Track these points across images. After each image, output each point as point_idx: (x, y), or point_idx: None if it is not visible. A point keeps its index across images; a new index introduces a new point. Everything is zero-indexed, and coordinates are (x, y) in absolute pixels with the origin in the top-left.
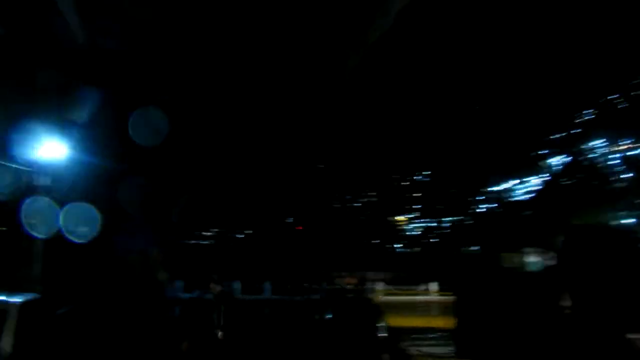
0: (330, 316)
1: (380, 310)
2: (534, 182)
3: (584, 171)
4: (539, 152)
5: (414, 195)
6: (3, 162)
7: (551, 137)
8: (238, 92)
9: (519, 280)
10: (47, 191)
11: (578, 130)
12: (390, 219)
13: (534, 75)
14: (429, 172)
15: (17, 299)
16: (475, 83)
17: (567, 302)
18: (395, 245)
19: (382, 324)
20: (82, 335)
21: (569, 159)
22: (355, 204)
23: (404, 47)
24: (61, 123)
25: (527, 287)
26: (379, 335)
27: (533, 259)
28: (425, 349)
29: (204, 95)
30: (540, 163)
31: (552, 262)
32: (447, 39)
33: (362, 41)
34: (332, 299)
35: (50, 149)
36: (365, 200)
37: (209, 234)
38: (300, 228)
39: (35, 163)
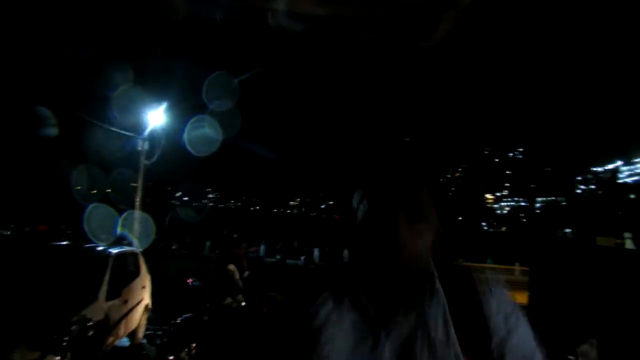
0: None
1: None
2: None
3: None
4: None
5: (505, 172)
6: (111, 128)
7: None
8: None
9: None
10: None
11: None
12: (477, 196)
13: None
14: (522, 149)
15: (113, 250)
16: (582, 53)
17: None
18: (481, 223)
19: None
20: None
21: None
22: (440, 180)
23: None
24: (161, 93)
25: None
26: None
27: (631, 245)
28: None
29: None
30: None
31: None
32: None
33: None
34: None
35: (151, 117)
36: (451, 176)
37: (295, 203)
38: None
39: (138, 129)
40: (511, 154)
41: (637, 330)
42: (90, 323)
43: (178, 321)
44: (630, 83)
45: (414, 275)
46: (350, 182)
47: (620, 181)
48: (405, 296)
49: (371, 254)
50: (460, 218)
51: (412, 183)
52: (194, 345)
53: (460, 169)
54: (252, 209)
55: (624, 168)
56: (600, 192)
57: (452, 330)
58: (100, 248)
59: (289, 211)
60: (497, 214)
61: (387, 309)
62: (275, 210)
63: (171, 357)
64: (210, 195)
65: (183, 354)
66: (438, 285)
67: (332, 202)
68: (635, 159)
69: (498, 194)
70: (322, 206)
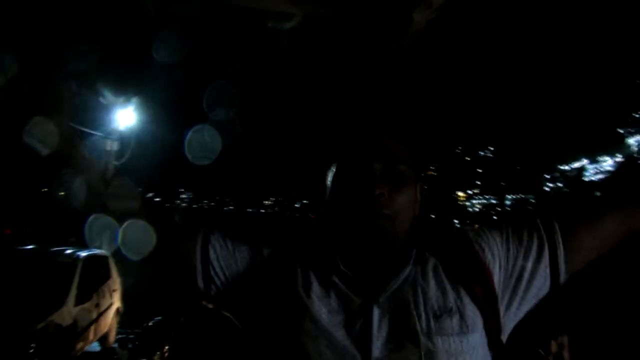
0: None
1: None
2: (609, 162)
3: None
4: (619, 130)
5: (476, 170)
6: (80, 128)
7: (634, 114)
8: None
9: None
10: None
11: None
12: (449, 194)
13: (620, 49)
14: (493, 148)
15: (82, 253)
16: (552, 53)
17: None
18: (454, 221)
19: None
20: None
21: None
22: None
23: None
24: (132, 93)
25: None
26: None
27: None
28: None
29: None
30: (621, 142)
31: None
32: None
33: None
34: None
35: (121, 117)
36: (424, 174)
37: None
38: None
39: (107, 129)
40: (482, 153)
41: (610, 325)
42: (59, 328)
43: (150, 324)
44: (594, 83)
45: (395, 235)
46: (324, 164)
47: (586, 179)
48: (385, 258)
49: (343, 213)
50: (432, 216)
51: (385, 135)
52: (167, 348)
53: (432, 168)
54: (225, 209)
55: (590, 166)
56: (567, 189)
57: (447, 285)
58: (68, 251)
59: (262, 211)
60: (469, 211)
61: (370, 272)
62: (249, 210)
63: None
64: (183, 196)
65: (156, 357)
66: (422, 245)
67: (306, 201)
68: (600, 157)
69: (469, 192)
70: (297, 205)
